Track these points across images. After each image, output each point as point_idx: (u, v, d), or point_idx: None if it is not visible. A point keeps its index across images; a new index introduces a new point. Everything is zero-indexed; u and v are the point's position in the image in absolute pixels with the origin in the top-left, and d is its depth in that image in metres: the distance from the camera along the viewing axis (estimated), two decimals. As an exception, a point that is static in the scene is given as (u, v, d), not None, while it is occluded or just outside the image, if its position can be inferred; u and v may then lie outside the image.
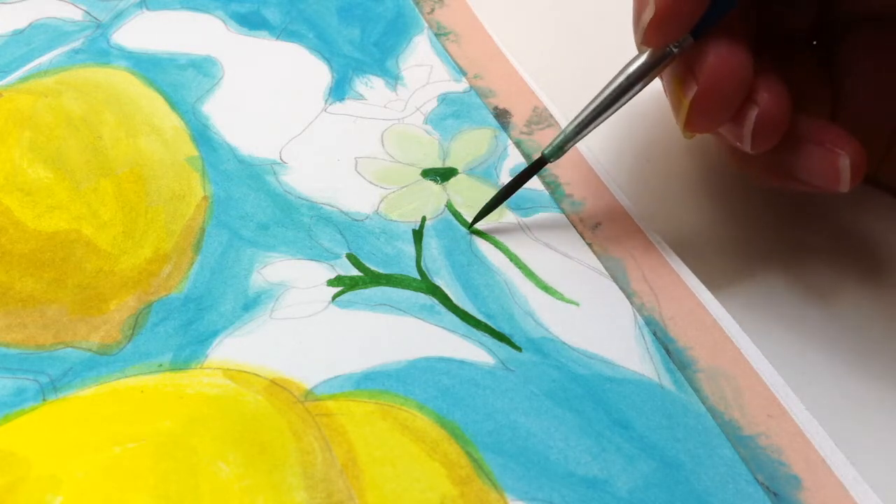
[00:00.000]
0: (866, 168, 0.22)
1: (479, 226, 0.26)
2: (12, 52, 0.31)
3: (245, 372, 0.22)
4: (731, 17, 0.22)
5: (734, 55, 0.22)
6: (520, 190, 0.27)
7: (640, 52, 0.23)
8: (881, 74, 0.24)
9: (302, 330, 0.23)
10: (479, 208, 0.26)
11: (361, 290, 0.24)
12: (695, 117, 0.22)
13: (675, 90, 0.23)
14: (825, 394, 0.23)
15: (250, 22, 0.33)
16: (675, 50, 0.22)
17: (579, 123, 0.24)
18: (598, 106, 0.24)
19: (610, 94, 0.23)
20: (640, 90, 0.23)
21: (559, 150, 0.25)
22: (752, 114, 0.22)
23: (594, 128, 0.24)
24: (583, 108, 0.24)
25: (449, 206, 0.27)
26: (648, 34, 0.22)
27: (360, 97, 0.30)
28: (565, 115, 0.30)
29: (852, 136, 0.22)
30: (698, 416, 0.22)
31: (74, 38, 0.32)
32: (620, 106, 0.24)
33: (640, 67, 0.23)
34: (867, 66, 0.24)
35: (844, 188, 0.22)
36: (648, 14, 0.22)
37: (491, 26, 0.33)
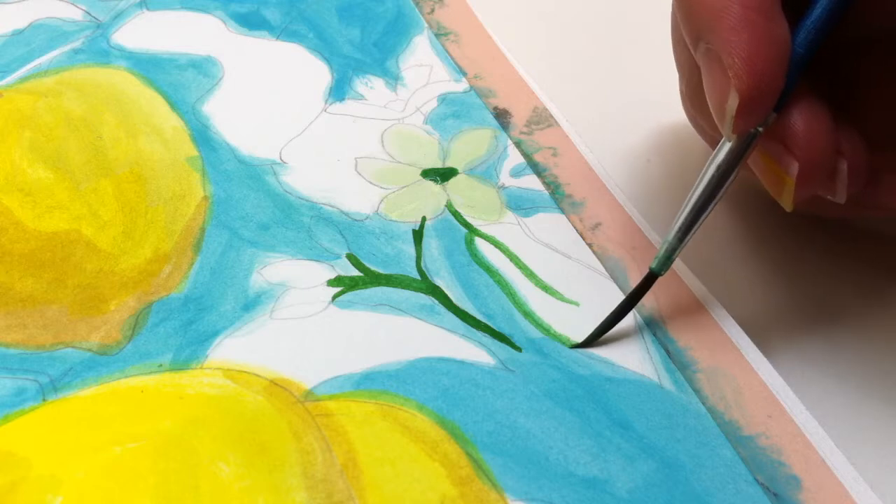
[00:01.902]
0: None
1: (479, 226, 0.26)
2: (12, 52, 0.31)
3: (245, 372, 0.22)
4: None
5: (819, 117, 0.21)
6: (520, 190, 0.27)
7: (722, 141, 0.22)
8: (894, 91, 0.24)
9: (302, 330, 0.23)
10: (480, 209, 0.26)
11: (361, 291, 0.24)
12: (801, 190, 0.21)
13: (773, 169, 0.22)
14: (825, 394, 0.23)
15: (250, 22, 0.33)
16: (760, 130, 0.21)
17: (680, 229, 0.22)
18: (694, 207, 0.22)
19: (704, 192, 0.22)
20: (733, 181, 0.22)
21: (667, 260, 0.23)
22: (843, 167, 0.21)
23: (696, 230, 0.22)
24: (679, 211, 0.22)
25: (449, 206, 0.27)
26: (738, 123, 0.21)
27: (360, 97, 0.30)
28: (565, 115, 0.30)
29: None
30: (698, 417, 0.22)
31: (74, 38, 0.32)
32: (718, 201, 0.22)
33: (728, 156, 0.22)
34: (884, 85, 0.24)
35: None
36: (733, 103, 0.20)
37: (491, 26, 0.33)
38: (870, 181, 0.22)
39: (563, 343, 0.23)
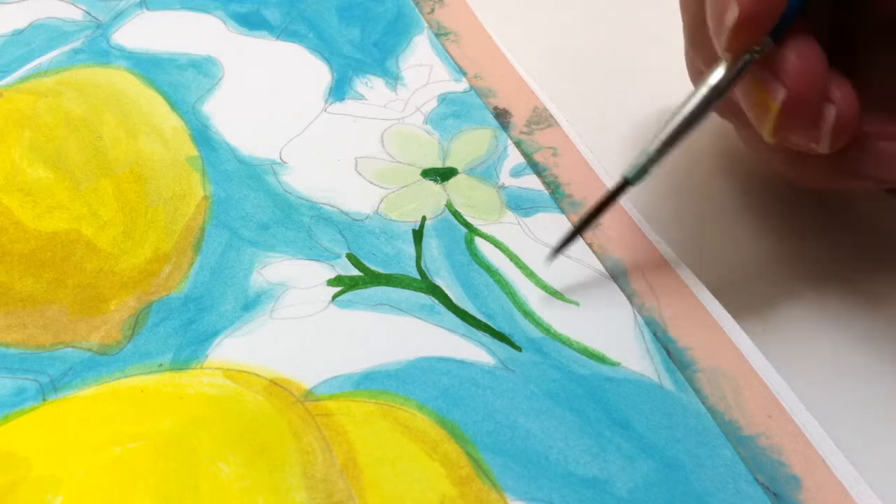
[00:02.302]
0: None
1: (479, 226, 0.26)
2: (12, 52, 0.31)
3: (245, 372, 0.22)
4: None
5: (814, 54, 0.21)
6: (520, 190, 0.27)
7: (718, 62, 0.22)
8: None
9: (302, 330, 0.23)
10: (480, 209, 0.27)
11: (361, 290, 0.24)
12: (785, 121, 0.21)
13: (759, 96, 0.22)
14: (825, 394, 0.23)
15: (250, 22, 0.33)
16: (756, 55, 0.21)
17: (663, 142, 0.22)
18: (681, 123, 0.22)
19: (693, 110, 0.22)
20: (722, 101, 0.22)
21: (643, 171, 0.23)
22: (831, 113, 0.21)
23: (677, 146, 0.22)
24: (662, 126, 0.22)
25: (449, 206, 0.27)
26: (733, 37, 0.21)
27: (360, 97, 0.30)
28: (565, 115, 0.30)
29: None
30: (698, 416, 0.22)
31: (74, 38, 0.32)
32: (703, 120, 0.22)
33: (723, 77, 0.22)
34: (886, 70, 0.24)
35: None
36: (732, 16, 0.21)
37: (491, 26, 0.33)
38: (856, 146, 0.22)
39: (572, 345, 0.23)
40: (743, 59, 0.22)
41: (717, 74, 0.22)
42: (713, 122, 0.27)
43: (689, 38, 0.25)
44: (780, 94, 0.21)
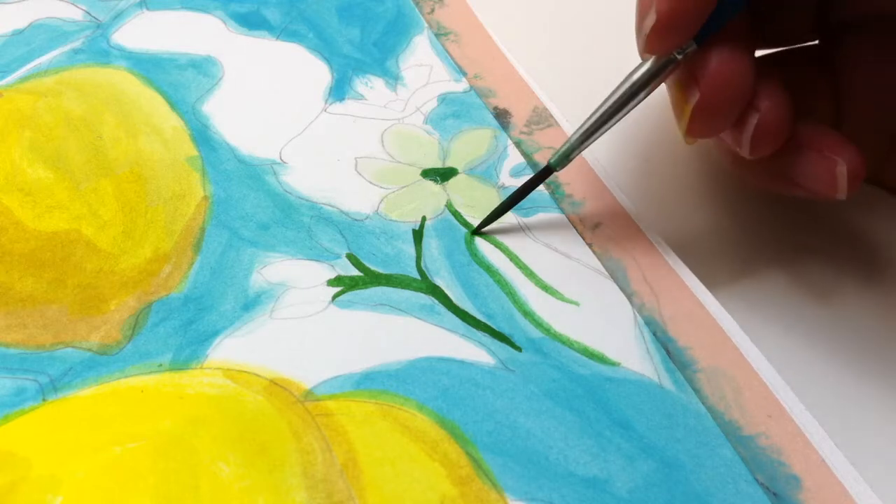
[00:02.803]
0: (864, 175, 0.22)
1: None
2: (12, 52, 0.31)
3: (245, 372, 0.22)
4: (733, 23, 0.22)
5: (736, 61, 0.22)
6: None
7: (644, 60, 0.23)
8: (884, 75, 0.24)
9: (302, 330, 0.23)
10: (480, 209, 0.27)
11: (361, 290, 0.24)
12: (696, 123, 0.22)
13: (678, 96, 0.23)
14: (825, 394, 0.23)
15: (250, 22, 0.33)
16: (678, 57, 0.22)
17: (585, 132, 0.24)
18: (602, 114, 0.23)
19: (614, 103, 0.23)
20: (645, 98, 0.23)
21: (565, 158, 0.24)
22: (753, 120, 0.22)
23: (599, 136, 0.24)
24: (587, 116, 0.24)
25: (449, 206, 0.27)
26: (650, 41, 0.22)
27: (360, 97, 0.30)
28: (565, 115, 0.30)
29: (850, 143, 0.22)
30: (698, 416, 0.22)
31: (74, 38, 0.32)
32: (625, 114, 0.23)
33: (643, 75, 0.23)
34: (869, 67, 0.24)
35: (841, 195, 0.22)
36: (650, 21, 0.21)
37: (491, 26, 0.33)
38: (788, 153, 0.23)
39: (572, 345, 0.23)
40: (662, 60, 0.22)
41: (639, 72, 0.23)
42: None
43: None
44: (693, 98, 0.22)
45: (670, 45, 0.22)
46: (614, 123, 0.24)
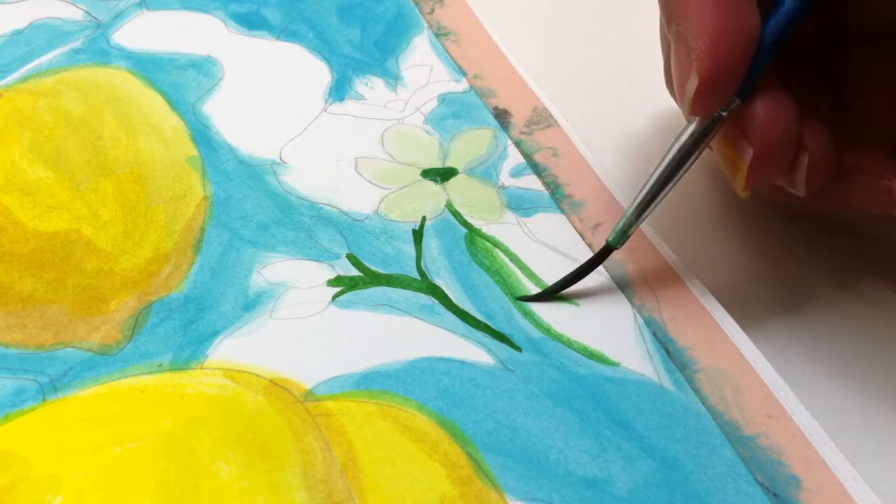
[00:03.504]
0: None
1: (480, 226, 0.26)
2: (12, 52, 0.31)
3: (245, 372, 0.22)
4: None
5: (782, 109, 0.21)
6: (520, 190, 0.27)
7: (688, 122, 0.22)
8: (887, 83, 0.24)
9: (302, 330, 0.23)
10: (480, 209, 0.27)
11: (361, 290, 0.24)
12: (754, 178, 0.22)
13: (729, 154, 0.22)
14: (825, 394, 0.23)
15: (250, 22, 0.33)
16: (723, 114, 0.21)
17: (640, 204, 0.23)
18: (655, 184, 0.23)
19: (665, 171, 0.22)
20: (695, 161, 0.22)
21: (623, 235, 0.23)
22: (804, 161, 0.21)
23: (655, 207, 0.23)
24: (640, 188, 0.23)
25: (449, 206, 0.27)
26: (696, 105, 0.21)
27: (360, 97, 0.30)
28: (565, 115, 0.30)
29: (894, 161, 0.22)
30: (698, 416, 0.22)
31: (74, 38, 0.32)
32: (678, 180, 0.23)
33: (690, 138, 0.22)
34: (874, 75, 0.24)
35: None
36: (692, 85, 0.21)
37: (491, 26, 0.33)
38: (839, 178, 0.22)
39: (571, 345, 0.23)
40: (708, 121, 0.22)
41: (685, 136, 0.22)
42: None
43: (665, 75, 0.25)
44: (748, 155, 0.21)
45: (715, 106, 0.21)
46: (668, 192, 0.23)
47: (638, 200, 0.23)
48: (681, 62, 0.21)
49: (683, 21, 0.21)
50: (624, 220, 0.23)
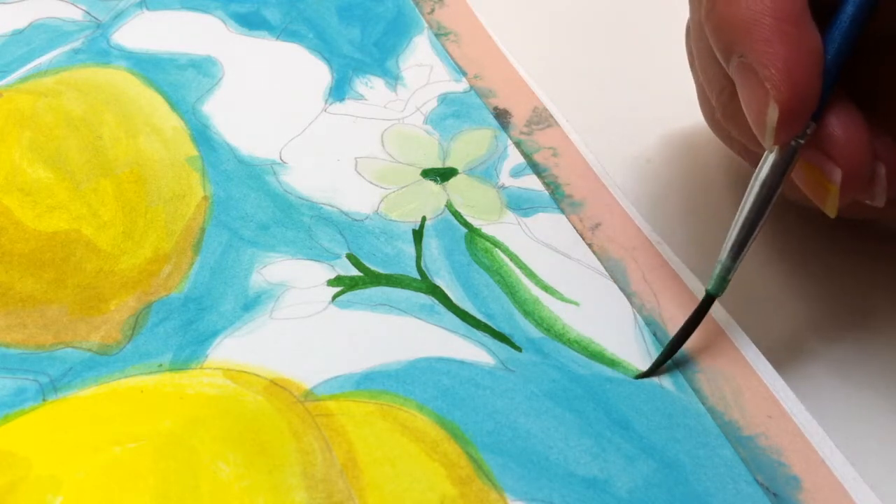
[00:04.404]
0: None
1: (480, 226, 0.26)
2: (12, 52, 0.31)
3: (245, 372, 0.22)
4: None
5: (857, 123, 0.21)
6: (520, 190, 0.27)
7: (766, 155, 0.22)
8: None
9: (302, 330, 0.23)
10: (480, 209, 0.27)
11: (361, 290, 0.24)
12: (845, 196, 0.21)
13: (814, 177, 0.21)
14: (825, 394, 0.23)
15: (250, 22, 0.33)
16: (801, 141, 0.21)
17: (733, 248, 0.22)
18: (745, 224, 0.22)
19: (753, 208, 0.22)
20: (779, 195, 0.22)
21: (723, 281, 0.22)
22: (882, 170, 0.21)
23: (749, 248, 0.22)
24: (730, 230, 0.22)
25: (449, 206, 0.27)
26: (780, 134, 0.20)
27: (360, 97, 0.30)
28: (565, 115, 0.30)
29: None
30: (698, 417, 0.22)
31: (74, 38, 0.32)
32: (766, 217, 0.22)
33: (772, 171, 0.21)
34: None
35: None
36: (773, 114, 0.20)
37: (491, 26, 0.33)
38: None
39: (572, 345, 0.23)
40: (789, 149, 0.21)
41: (766, 169, 0.22)
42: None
43: (721, 110, 0.24)
44: (837, 176, 0.21)
45: (797, 132, 0.21)
46: (759, 231, 0.22)
47: (731, 243, 0.22)
48: (753, 93, 0.21)
49: (749, 51, 0.20)
50: (720, 266, 0.22)
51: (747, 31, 0.20)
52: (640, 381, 0.22)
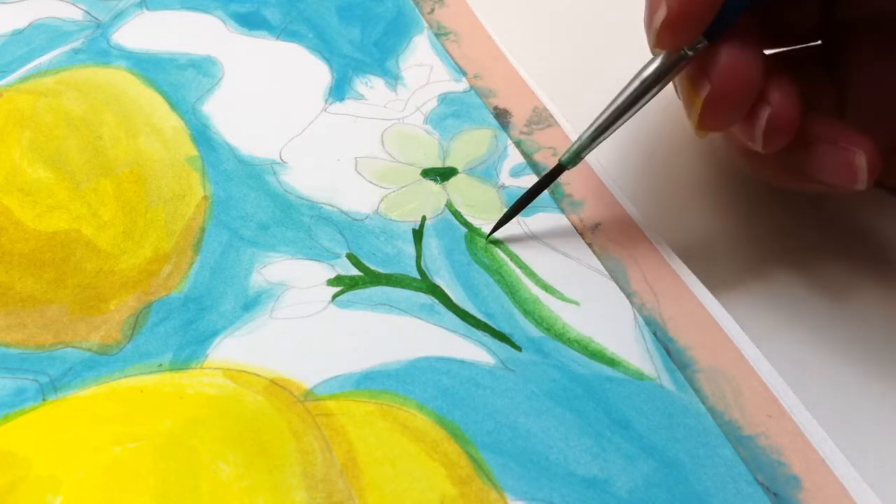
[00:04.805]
0: (881, 165, 0.22)
1: (480, 226, 0.26)
2: (12, 52, 0.31)
3: (245, 372, 0.22)
4: (742, 21, 0.22)
5: (746, 56, 0.22)
6: (520, 190, 0.27)
7: (654, 56, 0.23)
8: (887, 75, 0.24)
9: (302, 330, 0.23)
10: (480, 208, 0.27)
11: (361, 290, 0.24)
12: (707, 117, 0.22)
13: (688, 90, 0.23)
14: (825, 394, 0.23)
15: (250, 22, 0.33)
16: (689, 53, 0.22)
17: (595, 130, 0.24)
18: (613, 112, 0.23)
19: (625, 100, 0.23)
20: (655, 94, 0.23)
21: (576, 156, 0.24)
22: (765, 113, 0.22)
23: (610, 134, 0.24)
24: (598, 115, 0.24)
25: (449, 205, 0.27)
26: (661, 36, 0.22)
27: (360, 97, 0.30)
28: (565, 115, 0.30)
29: (865, 134, 0.22)
30: (698, 416, 0.22)
31: (74, 38, 0.32)
32: (636, 111, 0.23)
33: (654, 72, 0.23)
34: (874, 69, 0.24)
35: (861, 186, 0.22)
36: (661, 15, 0.21)
37: (491, 26, 0.33)
38: (804, 148, 0.23)
39: (572, 344, 0.23)
40: (673, 57, 0.22)
41: (650, 69, 0.23)
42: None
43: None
44: (704, 91, 0.22)
45: (681, 40, 0.22)
46: (625, 121, 0.24)
47: (594, 126, 0.24)
48: None
49: None
50: (578, 142, 0.24)
51: None
52: (639, 381, 0.22)
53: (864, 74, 0.24)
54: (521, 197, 0.25)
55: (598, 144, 0.24)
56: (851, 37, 0.25)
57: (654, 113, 0.31)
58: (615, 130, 0.24)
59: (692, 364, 0.23)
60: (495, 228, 0.25)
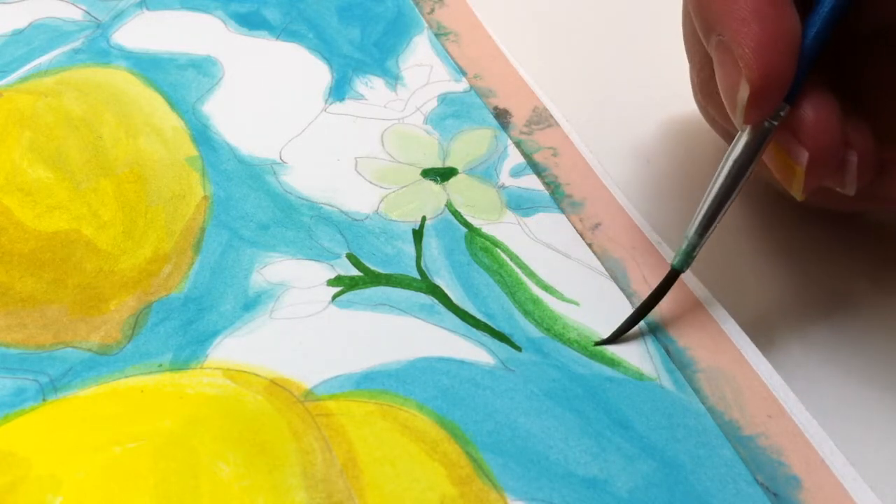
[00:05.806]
0: None
1: (480, 226, 0.26)
2: (12, 52, 0.31)
3: (245, 372, 0.22)
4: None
5: (829, 109, 0.21)
6: (520, 190, 0.27)
7: (739, 134, 0.22)
8: None
9: (302, 330, 0.23)
10: (480, 209, 0.27)
11: (361, 290, 0.24)
12: (811, 180, 0.21)
13: (783, 160, 0.22)
14: (825, 394, 0.23)
15: (250, 22, 0.33)
16: (774, 123, 0.21)
17: (700, 224, 0.23)
18: (713, 201, 0.22)
19: (722, 186, 0.22)
20: (750, 174, 0.22)
21: (688, 256, 0.23)
22: (853, 158, 0.21)
23: (716, 226, 0.23)
24: (699, 207, 0.23)
25: (449, 205, 0.27)
26: (749, 113, 0.21)
27: (360, 97, 0.30)
28: (565, 115, 0.30)
29: None
30: (698, 416, 0.22)
31: (74, 38, 0.32)
32: (736, 196, 0.22)
33: (744, 150, 0.22)
34: (891, 77, 0.24)
35: None
36: (744, 93, 0.21)
37: (491, 26, 0.33)
38: (879, 173, 0.22)
39: (572, 345, 0.23)
40: (762, 130, 0.21)
41: (739, 148, 0.22)
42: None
43: (699, 88, 0.25)
44: (804, 157, 0.21)
45: (768, 112, 0.21)
46: (728, 208, 0.22)
47: (699, 220, 0.23)
48: (727, 72, 0.21)
49: (726, 30, 0.21)
50: (686, 242, 0.23)
51: (726, 10, 0.21)
52: (639, 381, 0.22)
53: (878, 84, 0.24)
54: (636, 310, 0.23)
55: (706, 239, 0.23)
56: (864, 45, 0.24)
57: (655, 113, 0.31)
58: (720, 220, 0.23)
59: (692, 364, 0.23)
60: (612, 338, 0.23)
